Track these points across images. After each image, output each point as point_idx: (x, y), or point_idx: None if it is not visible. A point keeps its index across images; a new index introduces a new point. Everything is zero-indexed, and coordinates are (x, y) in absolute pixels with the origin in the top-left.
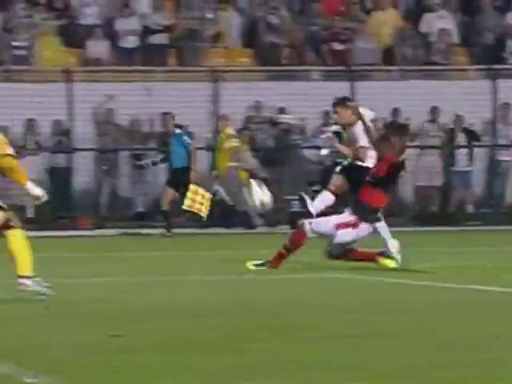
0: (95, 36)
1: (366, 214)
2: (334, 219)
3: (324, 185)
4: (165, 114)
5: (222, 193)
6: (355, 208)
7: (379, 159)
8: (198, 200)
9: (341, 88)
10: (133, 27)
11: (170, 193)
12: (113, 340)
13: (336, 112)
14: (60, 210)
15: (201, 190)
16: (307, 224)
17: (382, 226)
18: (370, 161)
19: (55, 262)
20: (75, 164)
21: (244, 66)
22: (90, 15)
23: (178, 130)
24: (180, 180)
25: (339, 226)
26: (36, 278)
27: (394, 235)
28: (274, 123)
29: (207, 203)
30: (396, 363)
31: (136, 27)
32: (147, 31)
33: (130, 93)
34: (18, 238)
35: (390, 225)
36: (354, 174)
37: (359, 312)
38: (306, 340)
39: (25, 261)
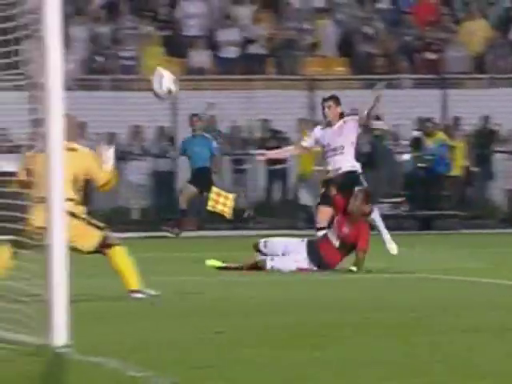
0: (197, 46)
1: (319, 265)
2: (297, 264)
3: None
4: (193, 115)
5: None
6: (312, 255)
7: (353, 221)
8: (220, 201)
9: (432, 95)
10: (233, 38)
11: (191, 190)
12: (209, 337)
13: (328, 106)
14: (165, 212)
15: (223, 192)
16: (268, 261)
17: (377, 219)
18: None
19: (156, 262)
20: (179, 168)
21: (340, 74)
22: (192, 26)
23: (206, 135)
24: (201, 180)
25: (298, 269)
26: (144, 289)
27: (485, 237)
28: (367, 129)
29: (231, 204)
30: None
31: (236, 38)
32: (247, 41)
33: (230, 100)
34: (119, 256)
35: (480, 226)
36: (343, 184)
37: (441, 309)
38: (384, 337)
39: (131, 276)
